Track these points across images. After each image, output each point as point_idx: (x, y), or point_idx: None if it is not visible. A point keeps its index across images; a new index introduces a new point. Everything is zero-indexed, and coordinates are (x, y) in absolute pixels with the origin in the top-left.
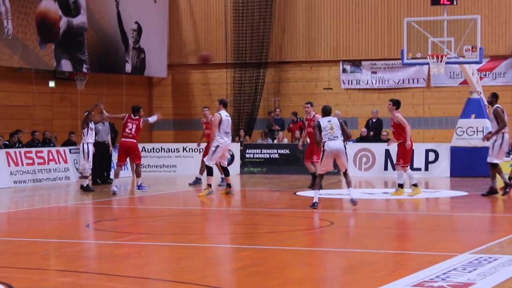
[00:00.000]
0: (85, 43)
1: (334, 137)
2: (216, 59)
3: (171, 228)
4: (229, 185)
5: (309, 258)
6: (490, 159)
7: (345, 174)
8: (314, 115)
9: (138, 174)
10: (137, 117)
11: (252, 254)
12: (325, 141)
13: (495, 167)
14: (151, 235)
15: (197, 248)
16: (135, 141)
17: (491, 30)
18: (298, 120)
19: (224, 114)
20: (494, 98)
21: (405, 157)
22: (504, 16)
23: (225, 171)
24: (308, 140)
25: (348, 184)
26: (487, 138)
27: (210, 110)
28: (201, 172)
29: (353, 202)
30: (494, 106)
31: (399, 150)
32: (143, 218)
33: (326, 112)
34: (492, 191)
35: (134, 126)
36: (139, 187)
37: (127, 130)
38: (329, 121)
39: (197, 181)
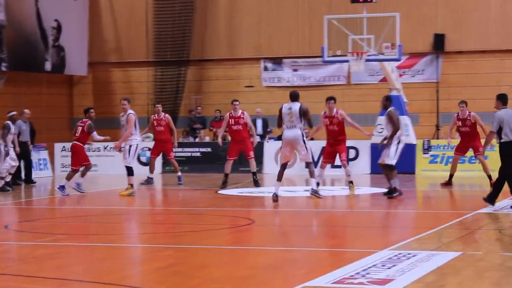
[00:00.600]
0: (3, 41)
1: (292, 126)
2: (137, 57)
3: (92, 228)
4: (131, 186)
5: (230, 257)
6: (389, 160)
7: (307, 165)
8: (241, 113)
9: (68, 177)
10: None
11: (173, 253)
12: (283, 130)
13: (394, 169)
14: (72, 235)
15: (118, 248)
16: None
17: (410, 28)
18: (222, 118)
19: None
20: (388, 101)
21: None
22: (423, 13)
23: (129, 171)
24: (229, 138)
25: (310, 174)
26: (387, 144)
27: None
28: (151, 171)
29: (314, 193)
30: (389, 109)
31: (343, 147)
32: (63, 219)
33: (292, 97)
34: (392, 191)
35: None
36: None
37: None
38: (290, 108)
39: (149, 181)
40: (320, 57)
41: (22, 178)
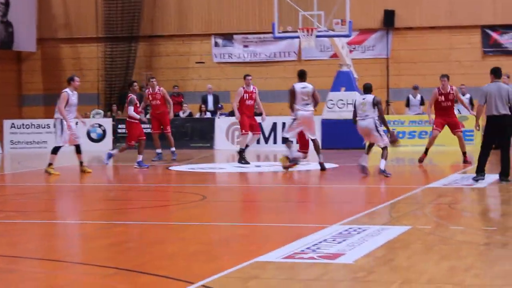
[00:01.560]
0: None
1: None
2: (87, 33)
3: (42, 206)
4: (81, 163)
5: (182, 233)
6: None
7: (313, 142)
8: (253, 88)
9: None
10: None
11: (125, 230)
12: (298, 109)
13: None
14: (22, 212)
15: (69, 225)
16: None
17: (360, 4)
18: (179, 93)
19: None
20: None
21: None
22: None
23: (77, 148)
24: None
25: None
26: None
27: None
28: (157, 146)
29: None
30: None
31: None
32: (13, 196)
33: (301, 77)
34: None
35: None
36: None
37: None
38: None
39: (160, 156)
40: (270, 33)
41: None
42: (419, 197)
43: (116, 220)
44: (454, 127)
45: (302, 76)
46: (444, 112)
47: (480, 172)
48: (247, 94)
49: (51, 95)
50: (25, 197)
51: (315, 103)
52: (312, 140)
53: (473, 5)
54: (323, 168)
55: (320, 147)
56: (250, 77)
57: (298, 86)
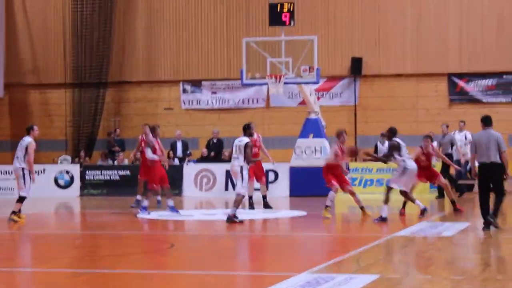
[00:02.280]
0: None
1: (235, 158)
2: (55, 79)
3: (8, 253)
4: (14, 212)
5: (149, 282)
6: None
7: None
8: (257, 136)
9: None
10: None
11: (90, 279)
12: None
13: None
14: None
15: (35, 274)
16: None
17: (328, 51)
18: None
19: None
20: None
21: None
22: (340, 37)
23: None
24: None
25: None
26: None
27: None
28: (139, 193)
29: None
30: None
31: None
32: None
33: (243, 130)
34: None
35: None
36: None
37: None
38: (240, 141)
39: (138, 203)
40: (239, 79)
41: None
42: (387, 246)
43: (81, 268)
44: (433, 178)
45: (244, 129)
46: (422, 171)
47: (486, 217)
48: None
49: (19, 141)
50: None
51: (245, 158)
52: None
53: (439, 53)
54: (229, 220)
55: (239, 202)
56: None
57: (237, 139)
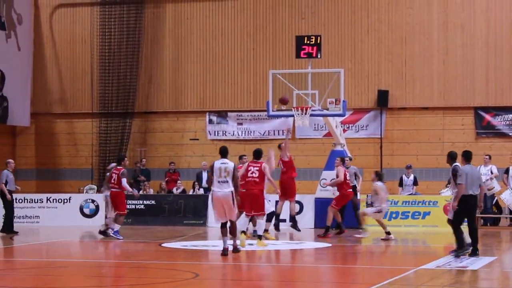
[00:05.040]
0: None
1: (223, 182)
2: (82, 108)
3: (33, 281)
4: None
5: None
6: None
7: (230, 222)
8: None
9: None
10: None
11: None
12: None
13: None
14: None
15: None
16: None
17: (354, 84)
18: (175, 170)
19: None
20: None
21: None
22: (367, 70)
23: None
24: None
25: (231, 234)
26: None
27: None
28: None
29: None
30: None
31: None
32: (3, 271)
33: (222, 153)
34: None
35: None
36: (115, 233)
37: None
38: (224, 163)
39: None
40: (264, 111)
41: None
42: (412, 279)
43: None
44: None
45: (223, 153)
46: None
47: (462, 247)
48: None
49: (44, 170)
50: (16, 273)
51: (234, 183)
52: (230, 221)
53: (466, 87)
54: (235, 251)
55: (236, 229)
56: (245, 157)
57: (218, 162)
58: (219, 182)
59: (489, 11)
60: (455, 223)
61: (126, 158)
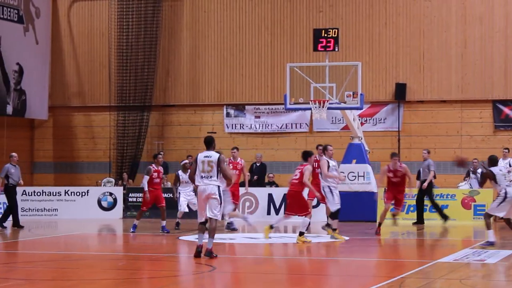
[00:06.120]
0: None
1: (209, 177)
2: (99, 101)
3: (50, 274)
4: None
5: None
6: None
7: (210, 221)
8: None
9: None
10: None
11: None
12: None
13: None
14: (30, 281)
15: None
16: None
17: (372, 77)
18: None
19: None
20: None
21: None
22: (384, 63)
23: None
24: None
25: (209, 233)
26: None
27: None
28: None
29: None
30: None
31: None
32: (22, 264)
33: (206, 144)
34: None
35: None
36: (163, 228)
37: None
38: (207, 156)
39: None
40: (282, 104)
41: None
42: (430, 272)
43: None
44: (397, 204)
45: (207, 143)
46: (394, 187)
47: None
48: (231, 164)
49: (62, 163)
50: (34, 265)
51: (224, 176)
52: (209, 220)
53: (484, 80)
54: (209, 255)
55: (215, 230)
56: (234, 151)
57: (201, 155)
58: (202, 177)
59: (508, 4)
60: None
61: (159, 156)
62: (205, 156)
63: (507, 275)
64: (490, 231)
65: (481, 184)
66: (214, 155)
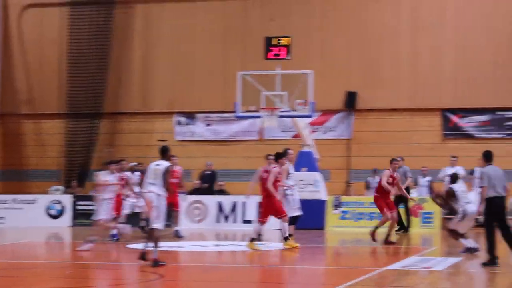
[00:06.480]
0: None
1: (154, 184)
2: (49, 109)
3: None
4: None
5: None
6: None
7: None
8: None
9: None
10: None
11: None
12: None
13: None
14: None
15: None
16: None
17: (323, 85)
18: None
19: None
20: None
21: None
22: (335, 71)
23: None
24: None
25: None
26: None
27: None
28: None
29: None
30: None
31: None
32: None
33: (161, 154)
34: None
35: None
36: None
37: None
38: (158, 165)
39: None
40: (233, 112)
41: None
42: (378, 280)
43: None
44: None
45: (162, 153)
46: (386, 194)
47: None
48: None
49: (11, 171)
50: None
51: (166, 184)
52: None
53: (434, 89)
54: (154, 264)
55: (159, 238)
56: (175, 158)
57: (153, 163)
58: (149, 183)
59: (458, 14)
60: (487, 229)
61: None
62: (156, 165)
63: (453, 282)
64: (463, 240)
65: (445, 205)
66: (163, 165)
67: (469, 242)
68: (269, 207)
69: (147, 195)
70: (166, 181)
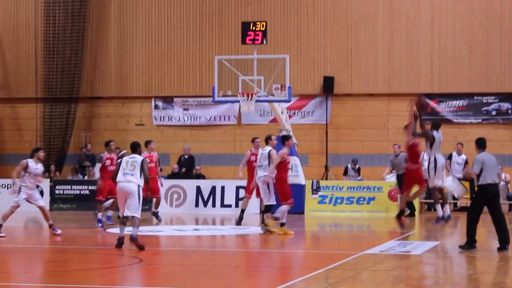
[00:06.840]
0: None
1: (131, 174)
2: (26, 93)
3: None
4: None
5: None
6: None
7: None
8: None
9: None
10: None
11: None
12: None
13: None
14: None
15: None
16: None
17: (300, 70)
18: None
19: None
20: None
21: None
22: (312, 56)
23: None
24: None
25: (133, 226)
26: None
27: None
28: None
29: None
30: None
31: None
32: None
33: (132, 148)
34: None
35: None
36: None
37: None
38: (132, 157)
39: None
40: (210, 97)
41: None
42: (356, 263)
43: (51, 282)
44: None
45: (133, 148)
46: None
47: (471, 243)
48: (148, 158)
49: None
50: None
51: (145, 179)
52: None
53: (411, 74)
54: (133, 240)
55: (139, 223)
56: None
57: (127, 157)
58: (124, 174)
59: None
60: (472, 213)
61: (111, 143)
62: (130, 157)
63: (431, 266)
64: (438, 208)
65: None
66: (138, 157)
67: (441, 211)
68: (279, 190)
69: (126, 185)
70: (146, 172)
